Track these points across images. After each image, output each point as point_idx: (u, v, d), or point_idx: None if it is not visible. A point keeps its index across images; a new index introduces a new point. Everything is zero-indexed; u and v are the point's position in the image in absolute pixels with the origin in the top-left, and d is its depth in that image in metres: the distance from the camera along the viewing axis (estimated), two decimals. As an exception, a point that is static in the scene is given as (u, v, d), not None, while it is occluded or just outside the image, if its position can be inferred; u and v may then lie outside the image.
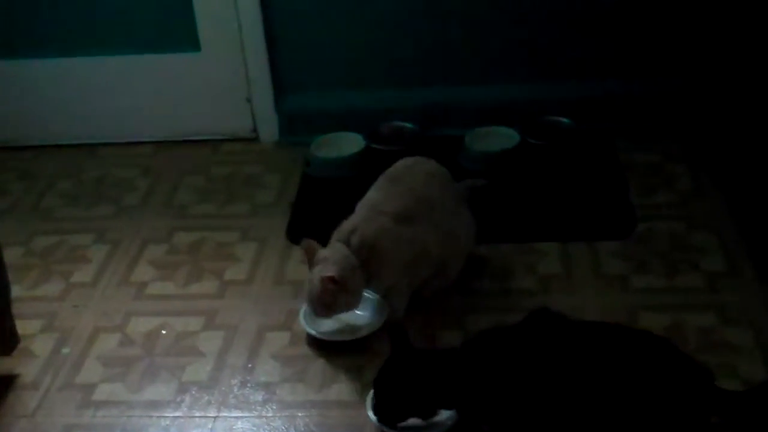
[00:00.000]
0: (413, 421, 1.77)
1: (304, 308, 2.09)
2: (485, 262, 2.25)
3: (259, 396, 1.94)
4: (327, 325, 2.06)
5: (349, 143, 2.67)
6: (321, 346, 2.04)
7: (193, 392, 1.96)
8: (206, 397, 1.95)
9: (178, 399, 1.95)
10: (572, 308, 1.98)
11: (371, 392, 1.82)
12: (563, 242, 2.28)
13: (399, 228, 2.00)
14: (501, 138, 2.62)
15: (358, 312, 2.05)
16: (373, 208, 2.04)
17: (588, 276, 2.18)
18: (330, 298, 1.97)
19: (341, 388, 1.93)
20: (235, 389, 1.96)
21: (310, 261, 1.99)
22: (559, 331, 1.72)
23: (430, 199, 2.06)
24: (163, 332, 2.13)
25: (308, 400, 1.92)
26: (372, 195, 2.08)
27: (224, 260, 2.35)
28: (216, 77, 2.77)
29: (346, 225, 2.02)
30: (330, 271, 1.93)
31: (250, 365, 2.02)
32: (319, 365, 2.00)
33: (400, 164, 2.14)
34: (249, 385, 1.97)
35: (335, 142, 2.69)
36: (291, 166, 2.70)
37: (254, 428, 1.87)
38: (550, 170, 2.55)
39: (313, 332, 2.05)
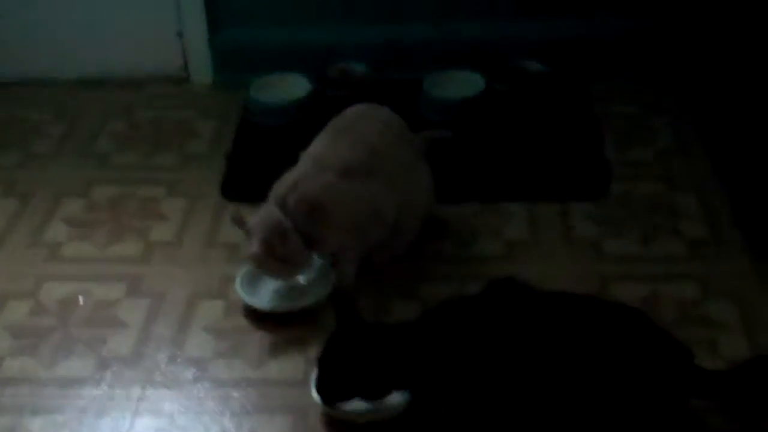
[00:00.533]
0: (362, 404, 1.76)
1: (240, 274, 2.06)
2: (445, 224, 2.22)
3: (189, 373, 1.92)
4: (266, 294, 2.05)
5: (294, 86, 2.60)
6: (260, 317, 2.01)
7: (115, 368, 1.93)
8: (129, 374, 1.92)
9: (97, 376, 1.92)
10: (540, 277, 1.97)
11: (316, 370, 1.80)
12: (531, 202, 2.28)
13: (346, 184, 1.95)
14: (464, 83, 2.58)
15: (302, 279, 2.03)
16: (316, 161, 1.98)
17: (558, 241, 2.18)
18: (268, 272, 1.94)
19: (282, 365, 1.91)
20: (162, 365, 1.93)
21: (244, 231, 1.96)
22: (524, 302, 1.73)
23: (382, 152, 2.01)
24: (80, 300, 2.10)
25: (245, 377, 1.90)
26: (316, 147, 2.02)
27: (150, 218, 2.29)
28: (141, 7, 2.69)
29: (284, 181, 1.96)
30: (253, 246, 1.90)
31: (179, 338, 1.99)
32: (257, 339, 1.97)
33: (350, 112, 2.09)
34: (178, 360, 1.94)
35: (278, 84, 2.62)
36: (227, 111, 2.63)
37: (183, 409, 1.85)
38: (517, 121, 2.52)
39: (250, 301, 2.03)
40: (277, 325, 1.99)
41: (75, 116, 2.66)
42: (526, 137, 2.48)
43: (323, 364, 1.75)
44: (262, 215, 1.95)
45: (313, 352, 1.86)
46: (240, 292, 2.04)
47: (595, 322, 1.70)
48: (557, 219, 2.24)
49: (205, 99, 2.70)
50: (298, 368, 1.90)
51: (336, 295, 1.88)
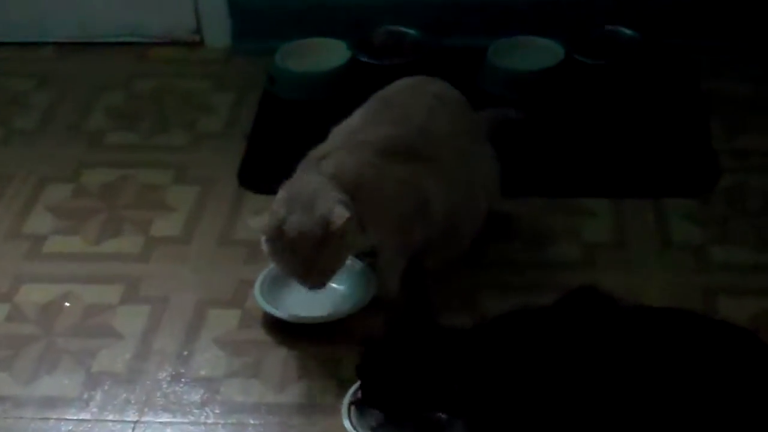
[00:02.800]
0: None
1: (260, 278, 2.11)
2: (512, 223, 2.26)
3: (196, 395, 1.96)
4: (291, 302, 2.09)
5: (329, 53, 2.67)
6: (283, 329, 2.06)
7: (107, 387, 1.99)
8: (124, 395, 1.97)
9: (86, 396, 1.97)
10: (627, 288, 2.01)
11: (350, 393, 1.85)
12: (618, 198, 2.32)
13: (387, 165, 1.99)
14: (538, 53, 2.63)
15: (335, 285, 2.08)
16: (351, 135, 2.02)
17: (650, 245, 2.21)
18: (298, 274, 1.93)
19: (309, 388, 1.96)
20: (164, 385, 1.98)
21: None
22: (607, 318, 1.74)
23: (433, 133, 2.05)
24: (67, 305, 2.15)
25: (263, 402, 1.94)
26: (351, 121, 2.06)
27: (152, 209, 2.35)
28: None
29: (314, 153, 2.00)
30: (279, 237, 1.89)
31: (185, 353, 2.05)
32: (279, 356, 2.02)
33: (398, 84, 2.14)
34: (183, 379, 2.00)
35: (310, 50, 2.69)
36: (247, 83, 2.69)
37: (189, 438, 1.91)
38: (603, 99, 2.57)
39: (271, 310, 2.07)
40: (304, 340, 2.05)
41: (63, 86, 2.75)
42: (614, 119, 2.53)
43: (366, 377, 1.78)
44: (299, 184, 1.94)
45: (347, 372, 1.90)
46: (259, 298, 2.09)
47: (694, 345, 1.70)
48: (650, 219, 2.27)
49: (221, 68, 2.77)
50: (328, 392, 1.94)
51: (387, 302, 1.90)
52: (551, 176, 2.40)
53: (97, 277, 2.20)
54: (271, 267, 2.13)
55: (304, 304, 2.08)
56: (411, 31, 2.72)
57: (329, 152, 2.00)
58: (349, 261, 2.07)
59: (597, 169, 2.41)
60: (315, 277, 1.94)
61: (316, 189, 1.91)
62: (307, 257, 1.90)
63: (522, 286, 2.13)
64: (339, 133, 2.05)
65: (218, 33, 2.83)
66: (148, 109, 2.66)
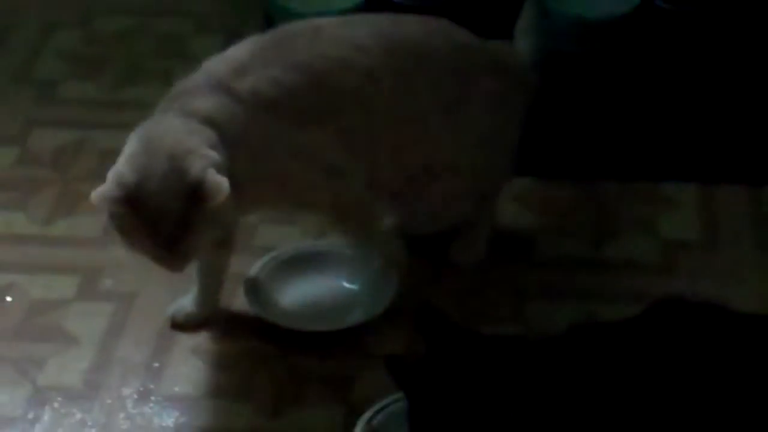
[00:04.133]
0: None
1: (252, 272, 2.11)
2: (570, 212, 2.27)
3: (169, 418, 1.96)
4: (291, 304, 2.10)
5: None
6: (278, 338, 2.05)
7: (57, 404, 1.98)
8: (79, 415, 1.97)
9: (31, 415, 1.96)
10: (719, 295, 1.95)
11: (363, 421, 1.85)
12: (706, 185, 2.32)
13: (275, 124, 1.96)
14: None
15: (346, 284, 2.11)
16: (234, 73, 1.98)
17: (748, 242, 2.21)
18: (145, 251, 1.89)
19: (311, 412, 1.95)
20: (129, 404, 1.98)
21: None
22: (702, 334, 1.73)
23: (347, 88, 2.00)
24: (8, 299, 2.15)
25: (253, 429, 1.94)
26: (241, 52, 2.03)
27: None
28: None
29: (180, 87, 1.98)
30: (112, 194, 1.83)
31: (155, 364, 2.04)
32: (273, 371, 2.02)
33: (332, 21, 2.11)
34: (153, 398, 1.99)
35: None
36: (237, 24, 2.67)
37: (159, 473, 1.91)
38: (690, 58, 2.54)
39: (266, 314, 2.07)
40: (305, 352, 2.04)
41: (6, 20, 2.76)
42: (702, 83, 2.50)
43: (412, 398, 1.77)
44: (152, 137, 1.90)
45: (358, 394, 1.93)
46: (249, 298, 2.09)
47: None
48: (747, 210, 2.27)
49: (206, 4, 2.76)
50: (335, 417, 1.94)
51: (423, 305, 1.88)
52: (621, 154, 2.38)
53: (47, 265, 2.20)
54: (265, 260, 2.13)
55: (304, 307, 2.09)
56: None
57: (199, 87, 1.96)
58: (364, 252, 2.10)
59: (680, 146, 2.39)
60: (178, 259, 1.89)
61: (180, 140, 1.88)
62: (169, 234, 1.85)
63: (581, 292, 2.13)
64: (218, 67, 1.99)
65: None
66: (112, 54, 2.65)
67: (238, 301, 2.11)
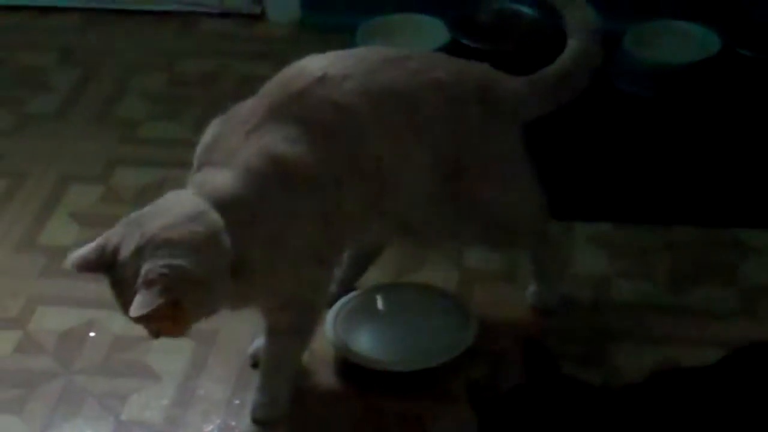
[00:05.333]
0: None
1: (335, 309, 2.13)
2: (649, 256, 2.27)
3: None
4: (370, 342, 2.11)
5: (422, 34, 2.67)
6: (356, 375, 2.07)
7: (138, 436, 1.99)
8: (159, 447, 1.98)
9: (111, 452, 1.99)
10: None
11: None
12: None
13: (280, 194, 1.86)
14: (687, 42, 2.60)
15: (423, 319, 2.12)
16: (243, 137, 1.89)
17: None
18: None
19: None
20: (208, 441, 1.99)
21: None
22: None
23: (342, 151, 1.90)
24: (92, 335, 2.18)
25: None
26: (248, 109, 1.94)
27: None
28: None
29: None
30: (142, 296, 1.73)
31: (236, 401, 2.05)
32: (351, 408, 2.02)
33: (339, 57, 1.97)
34: (236, 434, 1.99)
35: (398, 30, 2.69)
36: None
37: None
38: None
39: (347, 354, 2.09)
40: (384, 390, 2.05)
41: (90, 62, 2.79)
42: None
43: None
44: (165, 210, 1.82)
45: (437, 432, 1.90)
46: (331, 337, 2.10)
47: None
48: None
49: (286, 47, 2.78)
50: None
51: (525, 341, 1.89)
52: (700, 199, 2.38)
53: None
54: (347, 299, 2.15)
55: (385, 346, 2.11)
56: (525, 10, 2.71)
57: (206, 159, 1.90)
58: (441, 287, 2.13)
59: (758, 193, 2.39)
60: (157, 333, 1.83)
61: (165, 226, 1.78)
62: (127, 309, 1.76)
63: (661, 337, 2.12)
64: (225, 128, 1.93)
65: (284, 3, 2.86)
66: (194, 95, 2.68)
67: (317, 338, 2.08)
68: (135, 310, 1.70)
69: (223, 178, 1.84)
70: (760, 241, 2.30)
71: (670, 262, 2.27)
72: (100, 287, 2.21)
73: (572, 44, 2.10)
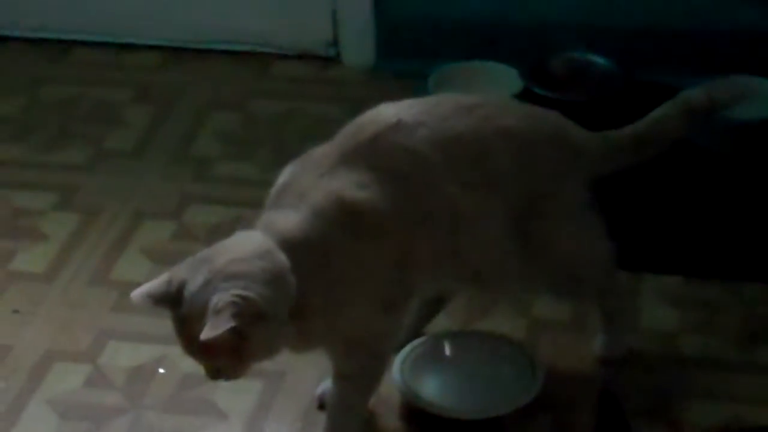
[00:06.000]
0: None
1: (403, 353, 2.13)
2: (717, 313, 2.26)
3: None
4: (437, 389, 2.11)
5: (495, 82, 2.67)
6: (421, 420, 2.06)
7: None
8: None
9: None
10: None
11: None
12: None
13: (349, 240, 1.86)
14: (765, 97, 2.60)
15: (489, 368, 2.12)
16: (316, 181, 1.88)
17: None
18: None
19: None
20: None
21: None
22: None
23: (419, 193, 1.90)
24: (161, 371, 2.20)
25: None
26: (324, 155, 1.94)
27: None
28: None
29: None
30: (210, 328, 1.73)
31: None
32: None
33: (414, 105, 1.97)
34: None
35: (471, 77, 2.70)
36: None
37: None
38: None
39: (414, 399, 2.08)
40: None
41: (166, 100, 2.83)
42: None
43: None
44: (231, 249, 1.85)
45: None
46: (398, 383, 2.10)
47: None
48: None
49: (361, 90, 2.80)
50: None
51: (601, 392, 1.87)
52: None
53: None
54: (414, 344, 2.15)
55: (452, 393, 2.10)
56: (599, 60, 2.72)
57: (277, 201, 1.91)
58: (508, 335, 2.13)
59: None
60: (216, 372, 1.86)
61: (233, 260, 1.81)
62: (191, 347, 1.82)
63: (729, 395, 2.11)
64: (298, 171, 1.94)
65: (359, 48, 2.87)
66: (269, 135, 2.71)
67: (384, 382, 2.10)
68: (206, 333, 1.72)
69: (290, 220, 1.86)
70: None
71: (740, 319, 2.26)
72: (170, 324, 2.26)
73: (658, 110, 2.10)
